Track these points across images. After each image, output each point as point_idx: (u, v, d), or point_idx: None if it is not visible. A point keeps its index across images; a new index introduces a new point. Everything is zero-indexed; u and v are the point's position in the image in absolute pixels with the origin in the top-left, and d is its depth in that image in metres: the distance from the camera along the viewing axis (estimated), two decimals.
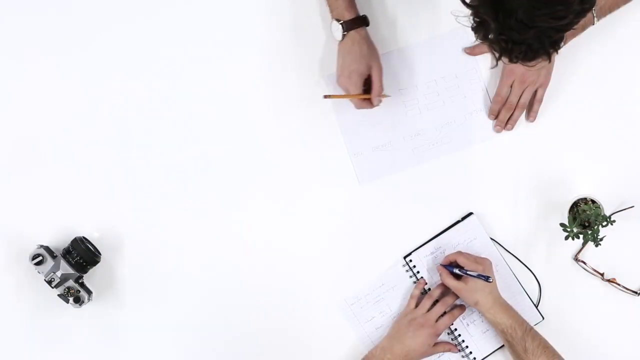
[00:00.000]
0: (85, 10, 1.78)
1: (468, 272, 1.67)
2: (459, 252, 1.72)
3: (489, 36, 1.29)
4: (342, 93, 1.71)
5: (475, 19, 1.30)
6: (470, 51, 1.78)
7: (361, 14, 1.70)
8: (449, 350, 1.75)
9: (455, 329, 1.76)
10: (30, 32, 1.78)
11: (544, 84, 1.75)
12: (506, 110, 1.77)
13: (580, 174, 1.77)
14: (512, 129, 1.78)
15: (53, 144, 1.77)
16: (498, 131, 1.79)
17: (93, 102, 1.78)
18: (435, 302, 1.74)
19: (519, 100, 1.75)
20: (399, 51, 1.78)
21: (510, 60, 1.31)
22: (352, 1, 1.69)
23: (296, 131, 1.78)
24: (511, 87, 1.75)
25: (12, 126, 1.77)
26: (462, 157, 1.78)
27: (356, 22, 1.68)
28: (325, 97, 1.70)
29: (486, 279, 1.65)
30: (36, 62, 1.78)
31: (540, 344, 1.65)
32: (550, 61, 1.35)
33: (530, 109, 1.78)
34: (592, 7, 1.28)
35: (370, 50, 1.69)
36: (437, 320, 1.72)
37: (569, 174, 1.77)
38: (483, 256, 1.72)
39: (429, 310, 1.73)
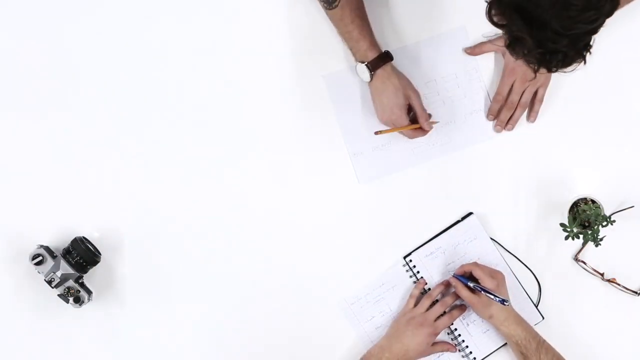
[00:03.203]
0: (84, 10, 1.79)
1: (488, 293, 1.65)
2: (475, 264, 1.72)
3: (525, 51, 1.30)
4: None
5: (510, 36, 1.31)
6: (471, 51, 1.78)
7: (383, 49, 1.70)
8: (448, 350, 1.75)
9: (455, 329, 1.76)
10: (29, 31, 1.78)
11: (545, 84, 1.75)
12: (507, 110, 1.77)
13: (580, 174, 1.77)
14: (512, 129, 1.78)
15: (53, 144, 1.77)
16: (498, 131, 1.79)
17: (93, 102, 1.78)
18: (435, 302, 1.74)
19: (519, 99, 1.75)
20: (399, 51, 1.77)
21: (549, 70, 1.32)
22: (373, 40, 1.69)
23: (296, 131, 1.78)
24: (512, 86, 1.75)
25: (12, 126, 1.77)
26: (462, 157, 1.78)
27: (381, 60, 1.68)
28: (376, 133, 1.70)
29: (502, 302, 1.64)
30: (35, 61, 1.78)
31: (554, 356, 1.66)
32: (585, 63, 1.34)
33: (531, 109, 1.78)
34: (619, 3, 1.29)
35: (402, 81, 1.69)
36: (435, 320, 1.72)
37: (569, 174, 1.77)
38: (497, 269, 1.72)
39: (428, 309, 1.73)
